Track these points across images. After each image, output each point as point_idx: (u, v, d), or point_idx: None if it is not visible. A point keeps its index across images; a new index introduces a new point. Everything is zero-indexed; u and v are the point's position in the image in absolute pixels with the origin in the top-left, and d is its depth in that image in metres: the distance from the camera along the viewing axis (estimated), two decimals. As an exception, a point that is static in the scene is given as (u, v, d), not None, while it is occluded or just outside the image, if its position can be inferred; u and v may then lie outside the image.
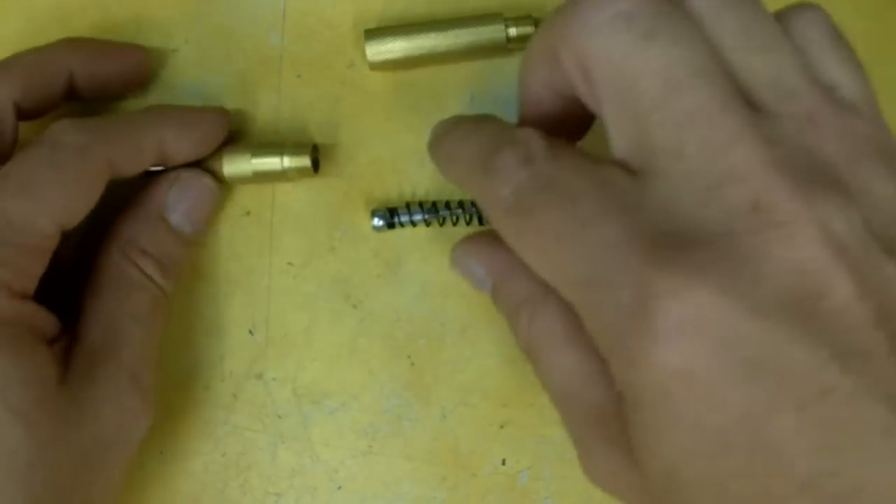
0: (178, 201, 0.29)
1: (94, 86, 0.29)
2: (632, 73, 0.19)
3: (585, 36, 0.20)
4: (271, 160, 0.29)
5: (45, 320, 0.25)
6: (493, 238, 0.25)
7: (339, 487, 0.30)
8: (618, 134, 0.20)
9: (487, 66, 0.31)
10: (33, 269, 0.25)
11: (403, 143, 0.31)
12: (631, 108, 0.19)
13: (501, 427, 0.30)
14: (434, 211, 0.30)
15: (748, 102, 0.19)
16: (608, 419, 0.21)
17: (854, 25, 0.31)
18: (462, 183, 0.24)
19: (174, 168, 0.29)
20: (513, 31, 0.30)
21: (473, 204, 0.30)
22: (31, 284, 0.25)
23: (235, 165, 0.30)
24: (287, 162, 0.29)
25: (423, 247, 0.31)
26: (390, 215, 0.29)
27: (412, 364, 0.30)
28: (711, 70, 0.19)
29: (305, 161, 0.29)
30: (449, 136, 0.25)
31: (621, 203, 0.19)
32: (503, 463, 0.30)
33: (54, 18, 0.33)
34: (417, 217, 0.29)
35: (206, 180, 0.29)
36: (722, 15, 0.20)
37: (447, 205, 0.30)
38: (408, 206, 0.30)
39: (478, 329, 0.30)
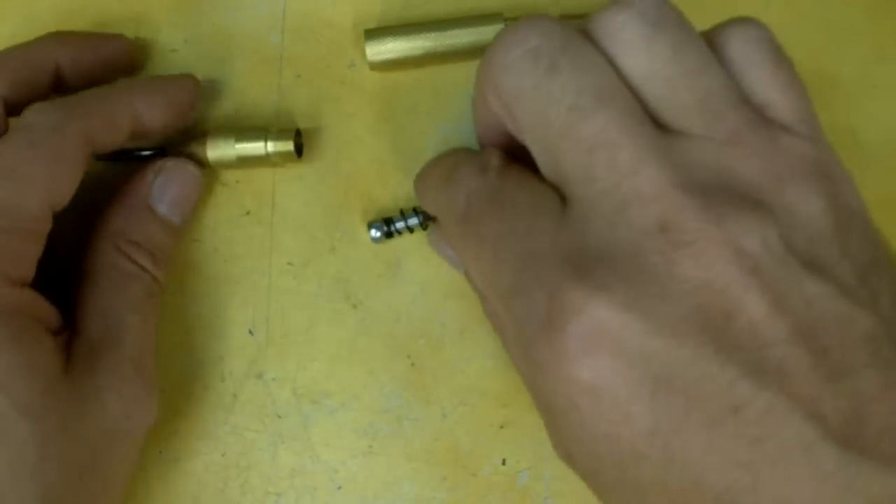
0: (163, 190, 0.29)
1: (81, 77, 0.29)
2: (541, 105, 0.20)
3: (501, 75, 0.21)
4: (255, 145, 0.30)
5: (47, 310, 0.25)
6: None
7: (339, 487, 0.30)
8: (540, 163, 0.21)
9: (487, 65, 0.31)
10: (29, 255, 0.25)
11: (404, 143, 0.31)
12: (543, 137, 0.20)
13: (501, 427, 0.30)
14: (429, 215, 0.29)
15: (663, 125, 0.20)
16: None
17: (855, 25, 0.31)
18: (432, 205, 0.26)
19: (158, 156, 0.30)
20: (513, 31, 0.30)
21: None
22: (28, 271, 0.25)
23: (220, 150, 0.30)
24: (271, 147, 0.30)
25: (423, 247, 0.31)
26: (386, 225, 0.30)
27: (412, 364, 0.30)
28: (616, 95, 0.20)
29: (289, 146, 0.30)
30: (423, 169, 0.27)
31: (549, 220, 0.20)
32: (503, 463, 0.30)
33: (54, 18, 0.33)
34: (413, 222, 0.29)
35: (190, 168, 0.30)
36: (649, 41, 0.20)
37: None
38: (402, 212, 0.30)
39: (477, 329, 0.30)
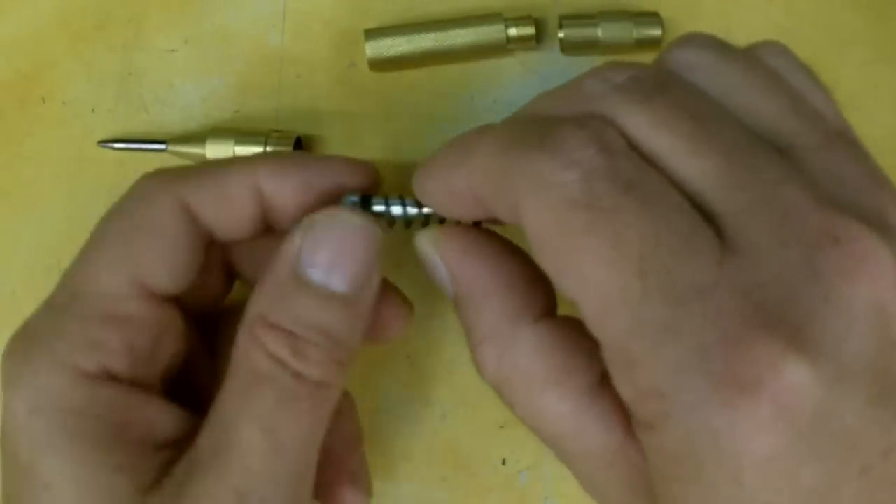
0: (315, 252, 0.21)
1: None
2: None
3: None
4: (254, 149, 0.30)
5: (148, 415, 0.21)
6: (468, 241, 0.22)
7: None
8: None
9: (487, 66, 0.31)
10: (110, 343, 0.21)
11: (403, 143, 0.31)
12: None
13: (501, 427, 0.30)
14: (418, 205, 0.24)
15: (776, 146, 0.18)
16: (619, 464, 0.19)
17: (854, 26, 0.31)
18: (481, 178, 0.19)
19: (159, 148, 0.28)
20: (513, 31, 0.30)
21: None
22: (112, 362, 0.21)
23: (219, 150, 0.30)
24: (269, 151, 0.30)
25: (423, 247, 0.31)
26: (364, 203, 0.24)
27: (411, 364, 0.30)
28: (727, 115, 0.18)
29: (287, 150, 0.30)
30: (451, 144, 0.21)
31: (707, 240, 0.17)
32: (503, 463, 0.30)
33: (54, 18, 0.33)
34: (397, 210, 0.24)
35: (352, 217, 0.22)
36: (723, 70, 0.19)
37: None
38: (386, 197, 0.24)
39: (478, 329, 0.30)
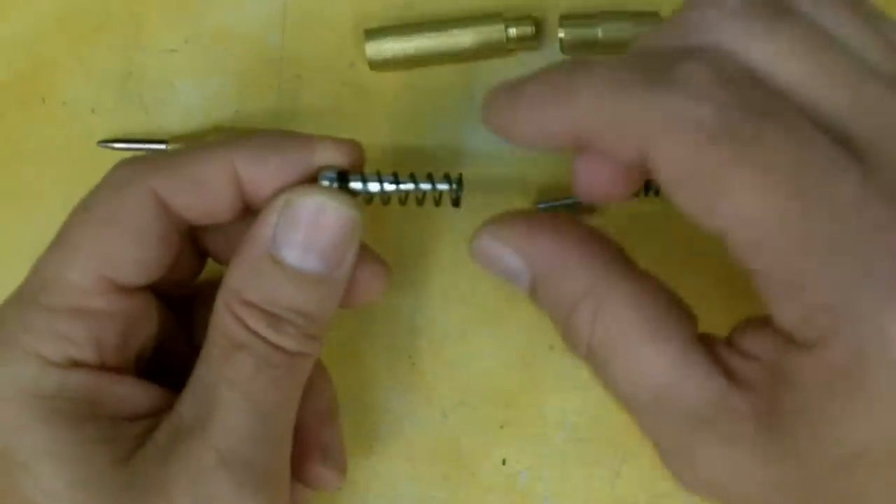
0: (290, 231, 0.22)
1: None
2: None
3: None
4: None
5: (118, 392, 0.22)
6: (531, 222, 0.22)
7: (339, 487, 0.30)
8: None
9: (487, 66, 0.31)
10: (76, 334, 0.21)
11: (403, 143, 0.31)
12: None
13: (501, 427, 0.30)
14: (395, 182, 0.24)
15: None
16: (721, 418, 0.19)
17: (854, 25, 0.31)
18: (592, 117, 0.19)
19: (159, 146, 0.27)
20: (513, 31, 0.30)
21: (450, 180, 0.24)
22: (81, 352, 0.21)
23: None
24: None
25: (423, 247, 0.31)
26: (341, 179, 0.23)
27: (413, 364, 0.30)
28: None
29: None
30: (541, 78, 0.20)
31: (852, 162, 0.17)
32: (503, 463, 0.30)
33: (54, 18, 0.33)
34: (374, 188, 0.23)
35: (326, 197, 0.22)
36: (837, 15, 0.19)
37: (412, 178, 0.24)
38: (363, 175, 0.24)
39: (478, 329, 0.30)
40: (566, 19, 0.30)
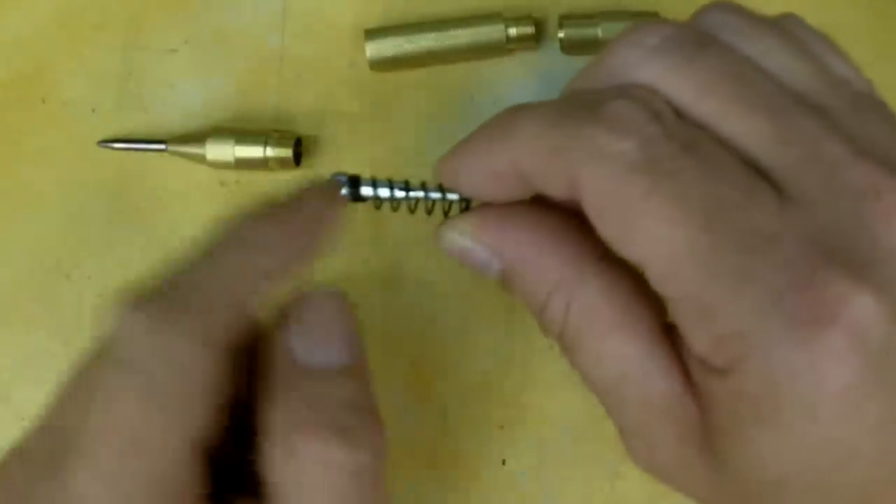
0: (307, 338, 0.20)
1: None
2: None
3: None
4: (254, 148, 0.30)
5: None
6: (502, 214, 0.22)
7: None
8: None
9: (487, 66, 0.31)
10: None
11: (403, 143, 0.31)
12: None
13: (501, 427, 0.30)
14: (405, 189, 0.24)
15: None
16: (675, 413, 0.19)
17: (855, 24, 0.31)
18: (529, 155, 0.19)
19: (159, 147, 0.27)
20: (513, 31, 0.30)
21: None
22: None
23: (219, 150, 0.30)
24: (270, 151, 0.30)
25: (423, 247, 0.31)
26: (353, 184, 0.23)
27: (412, 364, 0.30)
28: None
29: (288, 152, 0.30)
30: (485, 127, 0.21)
31: (766, 193, 0.17)
32: (503, 463, 0.30)
33: (54, 18, 0.33)
34: (384, 193, 0.23)
35: (328, 297, 0.21)
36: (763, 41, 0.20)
37: (423, 187, 0.24)
38: (374, 180, 0.24)
39: (478, 329, 0.30)
40: (566, 19, 0.30)
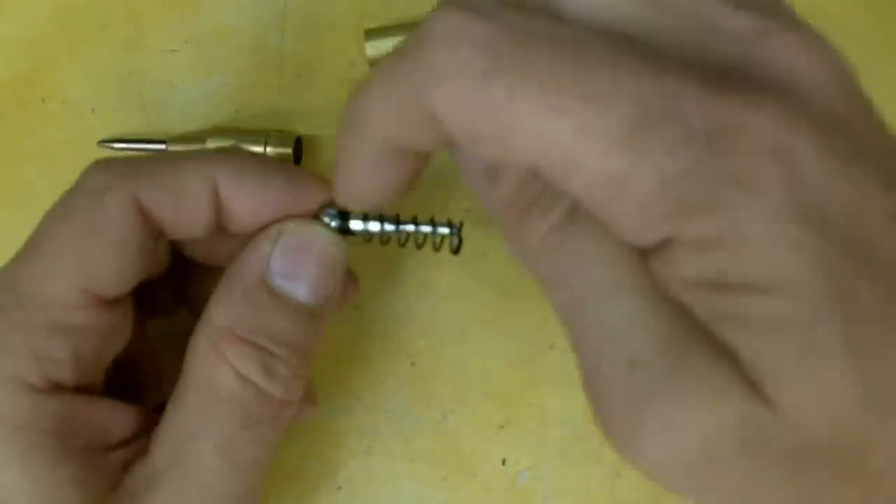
0: (287, 263, 0.21)
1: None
2: None
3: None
4: (254, 148, 0.30)
5: (96, 420, 0.21)
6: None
7: (340, 487, 0.30)
8: None
9: (487, 65, 0.31)
10: (57, 354, 0.20)
11: (403, 142, 0.31)
12: None
13: (501, 427, 0.30)
14: (396, 223, 0.24)
15: None
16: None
17: (856, 25, 0.31)
18: (386, 123, 0.17)
19: (159, 146, 0.27)
20: (513, 31, 0.30)
21: (451, 224, 0.24)
22: (61, 374, 0.20)
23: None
24: (269, 150, 0.30)
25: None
26: (341, 217, 0.23)
27: (412, 364, 0.30)
28: None
29: (288, 152, 0.30)
30: (338, 137, 0.19)
31: (627, 47, 0.16)
32: (503, 463, 0.30)
33: (54, 18, 0.33)
34: (374, 227, 0.23)
35: (324, 232, 0.22)
36: None
37: (414, 220, 0.24)
38: (365, 214, 0.24)
39: (478, 329, 0.30)
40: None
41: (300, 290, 0.21)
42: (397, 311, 0.31)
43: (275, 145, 0.30)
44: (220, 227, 0.22)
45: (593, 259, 0.17)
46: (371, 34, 0.30)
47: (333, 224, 0.23)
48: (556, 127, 0.15)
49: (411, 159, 0.19)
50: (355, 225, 0.23)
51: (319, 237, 0.22)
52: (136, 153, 0.31)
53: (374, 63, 0.30)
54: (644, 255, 0.17)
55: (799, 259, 0.14)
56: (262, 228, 0.22)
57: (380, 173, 0.19)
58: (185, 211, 0.21)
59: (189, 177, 0.21)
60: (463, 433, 0.30)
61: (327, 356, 0.30)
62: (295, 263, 0.21)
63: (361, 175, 0.19)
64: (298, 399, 0.22)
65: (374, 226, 0.23)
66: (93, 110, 0.32)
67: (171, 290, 0.26)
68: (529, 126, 0.15)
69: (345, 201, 0.20)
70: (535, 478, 0.30)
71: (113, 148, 0.31)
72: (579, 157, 0.15)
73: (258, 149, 0.30)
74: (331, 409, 0.30)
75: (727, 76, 0.15)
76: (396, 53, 0.17)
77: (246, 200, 0.22)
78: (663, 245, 0.16)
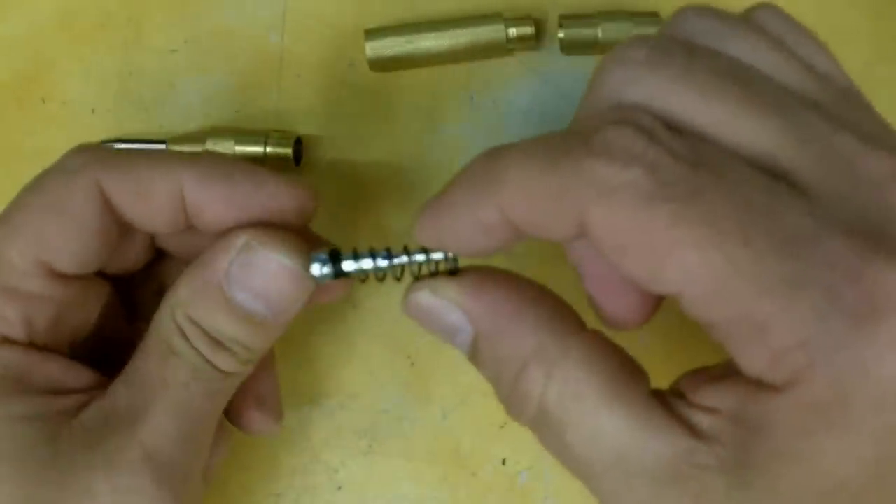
0: (245, 274, 0.22)
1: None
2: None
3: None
4: (254, 148, 0.30)
5: (50, 372, 0.22)
6: (476, 277, 0.21)
7: (339, 487, 0.30)
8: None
9: (487, 66, 0.31)
10: (8, 314, 0.22)
11: (403, 143, 0.31)
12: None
13: (501, 427, 0.30)
14: (388, 257, 0.22)
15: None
16: (686, 473, 0.18)
17: (856, 25, 0.31)
18: (524, 201, 0.18)
19: (158, 146, 0.28)
20: (513, 31, 0.30)
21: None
22: (12, 332, 0.22)
23: (219, 150, 0.30)
24: (269, 151, 0.30)
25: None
26: (333, 261, 0.22)
27: (412, 364, 0.30)
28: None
29: (287, 151, 0.30)
30: (462, 177, 0.19)
31: (787, 194, 0.17)
32: (503, 463, 0.30)
33: (54, 18, 0.33)
34: (367, 265, 0.22)
35: (282, 259, 0.22)
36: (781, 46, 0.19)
37: (406, 251, 0.22)
38: (355, 252, 0.23)
39: (478, 329, 0.30)
40: (566, 19, 0.30)
41: (257, 305, 0.22)
42: (397, 310, 0.30)
43: (275, 145, 0.30)
44: (189, 224, 0.23)
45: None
46: (371, 34, 0.30)
47: (325, 270, 0.22)
48: (713, 260, 0.16)
49: (517, 237, 0.19)
50: (347, 266, 0.22)
51: (277, 260, 0.22)
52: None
53: (373, 63, 0.30)
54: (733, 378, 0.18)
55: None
56: (231, 229, 0.23)
57: (481, 235, 0.19)
58: (146, 206, 0.22)
59: (154, 178, 0.22)
60: (463, 433, 0.30)
61: (326, 356, 0.30)
62: (254, 279, 0.22)
63: (463, 228, 0.19)
64: (247, 374, 0.24)
65: (366, 263, 0.22)
66: (93, 110, 0.32)
67: (157, 285, 0.26)
68: (684, 257, 0.16)
69: (425, 238, 0.21)
70: (535, 478, 0.30)
71: (113, 148, 0.31)
72: (728, 294, 0.16)
73: (258, 149, 0.30)
74: (330, 408, 0.30)
75: (872, 235, 0.16)
76: (558, 143, 0.18)
77: (211, 203, 0.22)
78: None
